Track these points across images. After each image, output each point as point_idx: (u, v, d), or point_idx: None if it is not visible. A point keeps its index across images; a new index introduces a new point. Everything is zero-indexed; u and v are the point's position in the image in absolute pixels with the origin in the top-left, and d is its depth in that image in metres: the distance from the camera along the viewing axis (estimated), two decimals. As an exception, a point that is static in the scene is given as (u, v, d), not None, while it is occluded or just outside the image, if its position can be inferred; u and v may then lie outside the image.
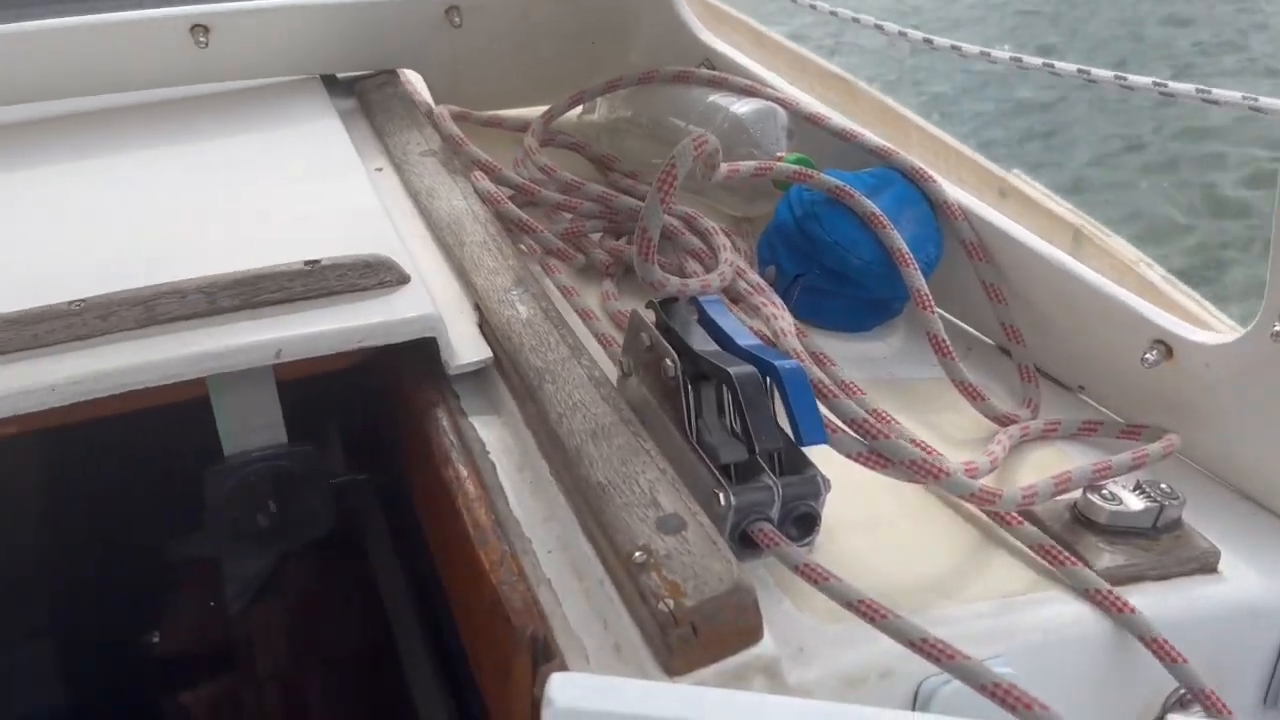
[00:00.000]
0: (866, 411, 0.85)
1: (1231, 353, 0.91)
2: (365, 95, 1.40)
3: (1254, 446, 0.93)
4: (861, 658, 0.72)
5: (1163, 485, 0.86)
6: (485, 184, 1.17)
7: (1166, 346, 0.96)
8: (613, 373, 0.92)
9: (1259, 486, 0.93)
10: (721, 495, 0.74)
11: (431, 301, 0.93)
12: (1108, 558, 0.82)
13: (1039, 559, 0.83)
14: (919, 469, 0.78)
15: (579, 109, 1.44)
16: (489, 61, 1.48)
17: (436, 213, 1.12)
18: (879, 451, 0.79)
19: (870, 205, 1.04)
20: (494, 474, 0.85)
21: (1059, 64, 1.12)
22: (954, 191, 1.13)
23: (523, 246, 1.13)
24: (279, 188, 1.12)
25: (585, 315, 1.04)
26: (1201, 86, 1.01)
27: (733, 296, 1.01)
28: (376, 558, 2.07)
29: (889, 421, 0.93)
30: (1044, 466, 0.95)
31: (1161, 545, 0.84)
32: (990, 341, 1.16)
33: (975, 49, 1.16)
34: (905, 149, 1.20)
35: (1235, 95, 0.98)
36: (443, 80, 1.47)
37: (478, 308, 0.99)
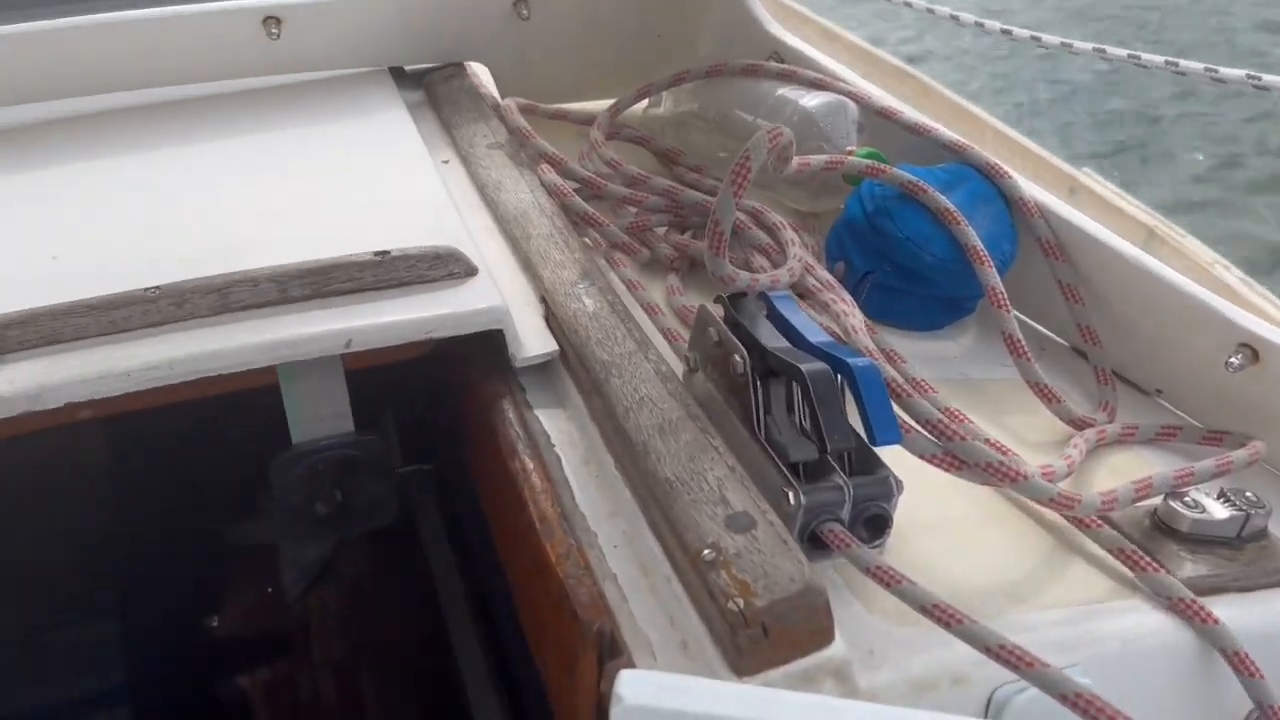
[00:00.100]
0: (940, 411, 0.83)
1: None
2: (432, 88, 1.41)
3: None
4: (934, 663, 0.71)
5: (1248, 493, 0.83)
6: (552, 177, 1.17)
7: (1252, 350, 0.93)
8: (678, 368, 0.91)
9: None
10: (791, 494, 0.73)
11: (499, 294, 0.93)
12: (1189, 567, 0.79)
13: (1118, 565, 0.80)
14: (995, 472, 0.77)
15: (644, 102, 1.43)
16: (555, 54, 1.48)
17: (503, 205, 1.12)
18: (954, 453, 0.78)
19: (944, 201, 1.02)
20: (560, 467, 0.85)
21: (1145, 56, 1.09)
22: (1030, 188, 1.11)
23: (587, 240, 1.13)
24: (348, 179, 1.12)
25: (650, 310, 1.03)
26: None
27: (800, 292, 0.99)
28: (431, 547, 2.08)
29: (963, 421, 0.91)
30: (1122, 472, 0.93)
31: (1246, 555, 0.81)
32: (1064, 343, 1.13)
33: (1056, 39, 1.14)
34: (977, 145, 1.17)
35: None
36: (509, 73, 1.47)
37: (544, 300, 0.99)
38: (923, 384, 0.93)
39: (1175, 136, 5.94)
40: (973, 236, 1.01)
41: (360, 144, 1.22)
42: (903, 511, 0.77)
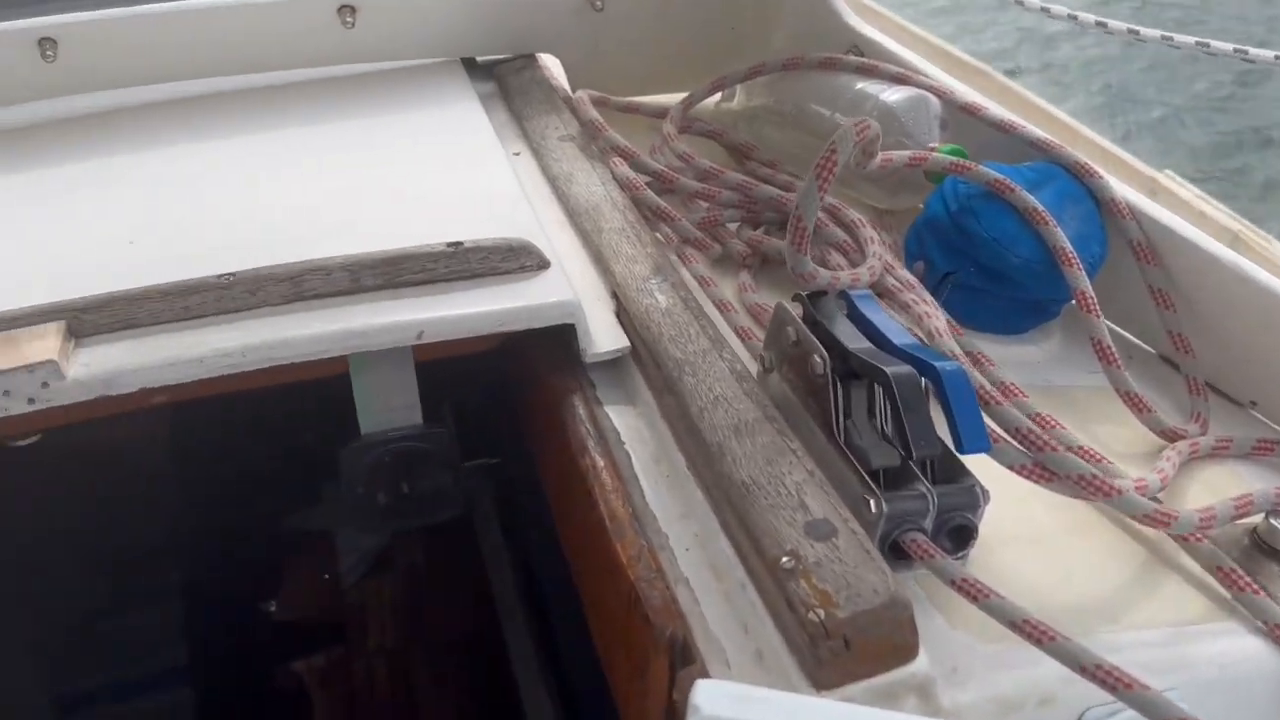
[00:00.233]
0: (1030, 419, 0.80)
1: None
2: (504, 79, 1.40)
3: None
4: (1021, 681, 0.68)
5: None
6: (623, 170, 1.16)
7: None
8: (752, 367, 0.89)
9: None
10: (872, 501, 0.71)
11: (571, 288, 0.92)
12: (1293, 590, 0.75)
13: (1215, 585, 0.77)
14: (1089, 485, 0.73)
15: (717, 96, 1.41)
16: (628, 46, 1.46)
17: (574, 198, 1.11)
18: (1044, 464, 0.75)
19: (1032, 200, 0.99)
20: (630, 465, 0.83)
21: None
22: (1121, 188, 1.06)
23: (659, 235, 1.11)
24: (421, 169, 1.12)
25: (723, 307, 1.01)
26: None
27: (880, 292, 0.96)
28: (487, 541, 2.08)
29: (1052, 427, 0.87)
30: (1216, 487, 0.89)
31: (1352, 579, 0.77)
32: (1152, 350, 1.09)
33: (1156, 33, 1.09)
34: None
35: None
36: (580, 65, 1.45)
37: (615, 295, 0.97)
38: (1012, 388, 0.90)
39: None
40: (1061, 238, 0.97)
41: (432, 134, 1.21)
42: (985, 522, 0.74)
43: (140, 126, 1.21)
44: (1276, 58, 0.97)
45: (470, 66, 1.42)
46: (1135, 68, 6.18)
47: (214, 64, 1.31)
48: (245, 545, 2.06)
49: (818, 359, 0.78)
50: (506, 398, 1.16)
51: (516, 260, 0.92)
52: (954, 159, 1.04)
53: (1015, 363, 1.01)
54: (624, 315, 0.94)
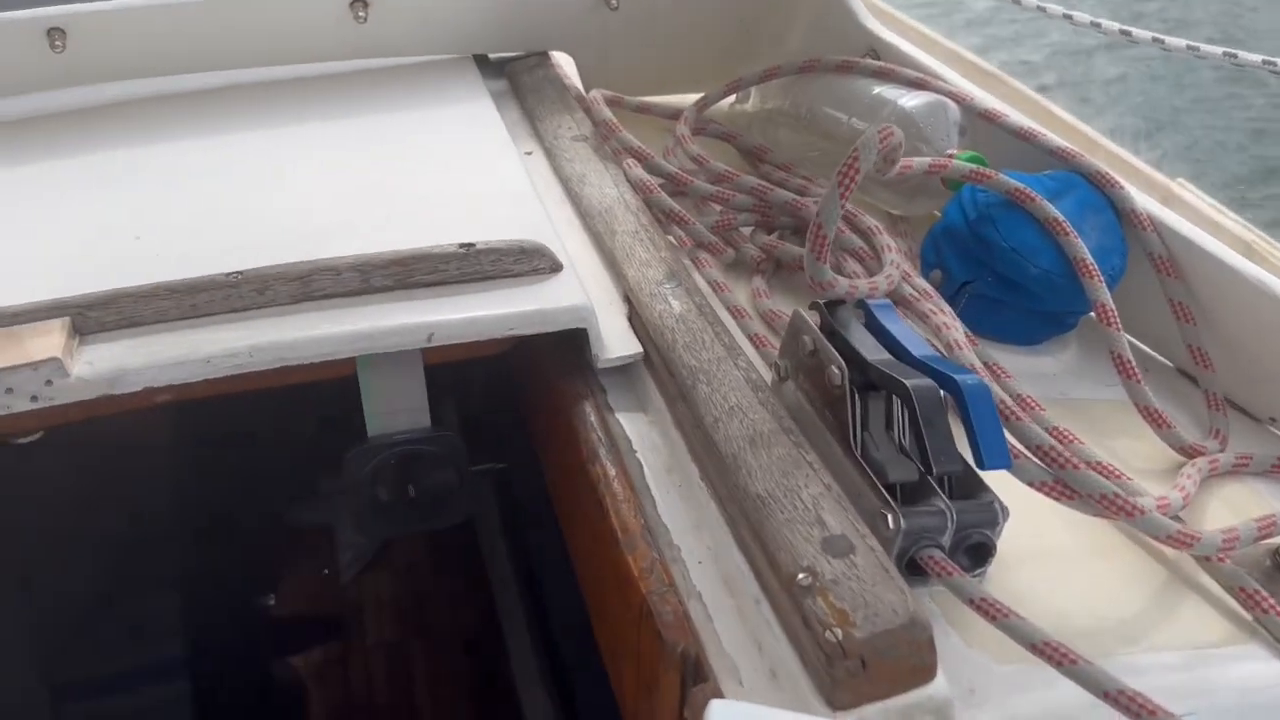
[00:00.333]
0: (1049, 434, 0.79)
1: None
2: (516, 77, 1.39)
3: None
4: (1039, 704, 0.66)
5: None
6: (637, 172, 1.14)
7: None
8: (767, 375, 0.88)
9: None
10: (890, 517, 0.70)
11: (584, 292, 0.90)
12: (1316, 614, 0.74)
13: (1235, 606, 0.75)
14: (1110, 505, 0.72)
15: (731, 98, 1.39)
16: (642, 45, 1.45)
17: (587, 199, 1.09)
18: (1065, 482, 0.73)
19: (1052, 210, 0.97)
20: (641, 475, 0.82)
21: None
22: (1142, 199, 1.05)
23: (672, 238, 1.10)
24: (432, 168, 1.10)
25: (736, 313, 1.00)
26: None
27: (897, 301, 0.95)
28: (487, 542, 2.07)
29: (1071, 442, 0.86)
30: (1236, 505, 0.88)
31: (1377, 604, 0.75)
32: (1169, 364, 1.07)
33: (1182, 42, 1.08)
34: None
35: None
36: (594, 63, 1.44)
37: (628, 300, 0.96)
38: (1030, 402, 0.88)
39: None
40: (1082, 249, 0.96)
41: (444, 132, 1.20)
42: (1003, 538, 0.72)
43: (148, 120, 1.20)
44: (1264, 62, 0.96)
45: (482, 63, 1.40)
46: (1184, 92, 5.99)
47: (225, 57, 1.29)
48: (245, 539, 2.06)
49: (835, 370, 0.76)
50: (514, 401, 1.15)
51: (529, 263, 0.90)
52: (974, 166, 1.02)
53: (1032, 375, 1.00)
54: (636, 320, 0.93)
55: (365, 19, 1.29)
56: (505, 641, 2.00)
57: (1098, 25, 1.43)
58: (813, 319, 0.83)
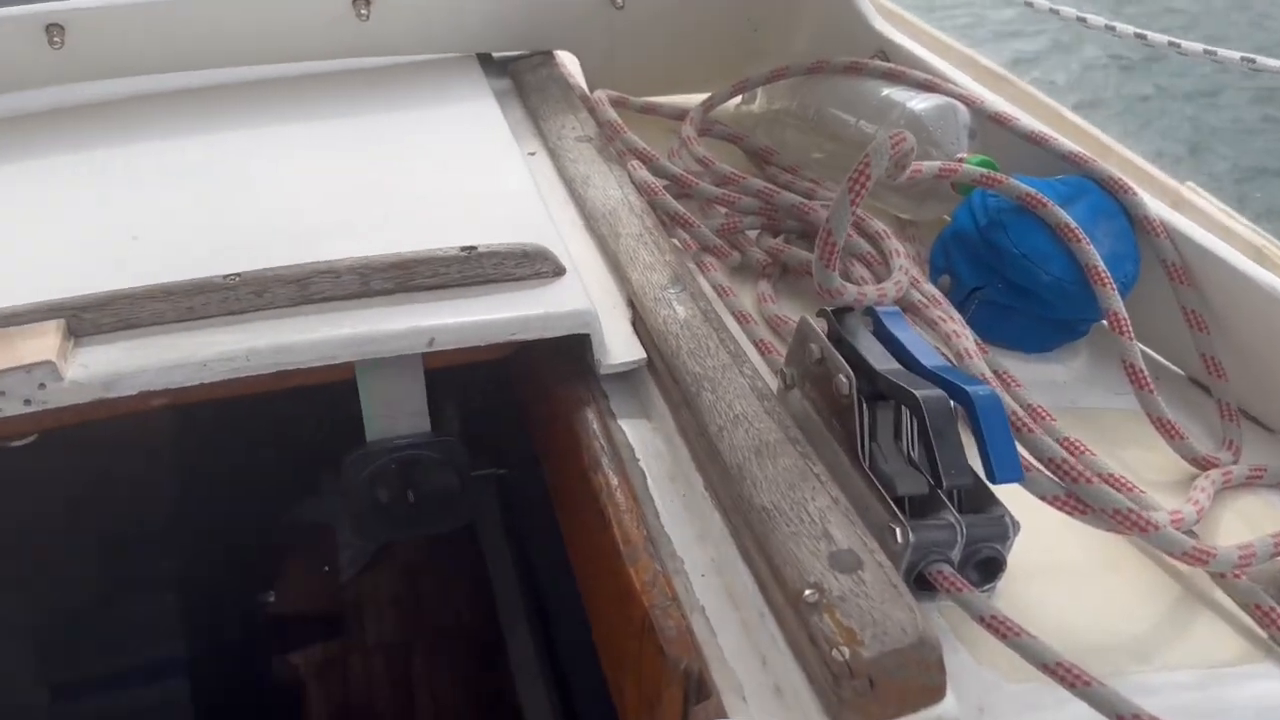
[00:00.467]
0: (1061, 445, 0.77)
1: None
2: (520, 76, 1.37)
3: None
4: None
5: None
6: (641, 174, 1.13)
7: None
8: (772, 382, 0.86)
9: None
10: (898, 530, 0.68)
11: (587, 296, 0.89)
12: (1333, 632, 0.72)
13: (1250, 624, 0.74)
14: (1124, 520, 0.70)
15: (737, 99, 1.38)
16: (648, 45, 1.43)
17: (591, 201, 1.08)
18: (1079, 496, 0.72)
19: (1064, 215, 0.96)
20: (644, 484, 0.80)
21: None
22: (1155, 205, 1.03)
23: (676, 241, 1.08)
24: (434, 168, 1.09)
25: (741, 318, 0.98)
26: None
27: (905, 307, 0.93)
28: (488, 543, 2.06)
29: (1082, 453, 0.84)
30: (1250, 518, 0.86)
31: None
32: (1181, 372, 1.06)
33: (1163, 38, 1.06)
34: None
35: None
36: (599, 63, 1.42)
37: (631, 304, 0.94)
38: (1040, 411, 0.87)
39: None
40: (1094, 255, 0.94)
41: (446, 132, 1.18)
42: (1013, 553, 0.71)
43: (147, 117, 1.19)
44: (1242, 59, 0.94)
45: (486, 63, 1.39)
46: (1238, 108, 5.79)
47: (225, 54, 1.28)
48: (243, 536, 2.04)
49: (843, 379, 0.75)
50: (514, 406, 1.13)
51: (531, 266, 0.89)
52: (985, 171, 1.01)
53: (1041, 383, 0.98)
54: (640, 325, 0.91)
55: (367, 16, 1.28)
56: (506, 645, 1.98)
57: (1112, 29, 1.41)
58: (820, 326, 0.81)
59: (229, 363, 0.79)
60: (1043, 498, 0.73)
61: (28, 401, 0.76)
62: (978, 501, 0.71)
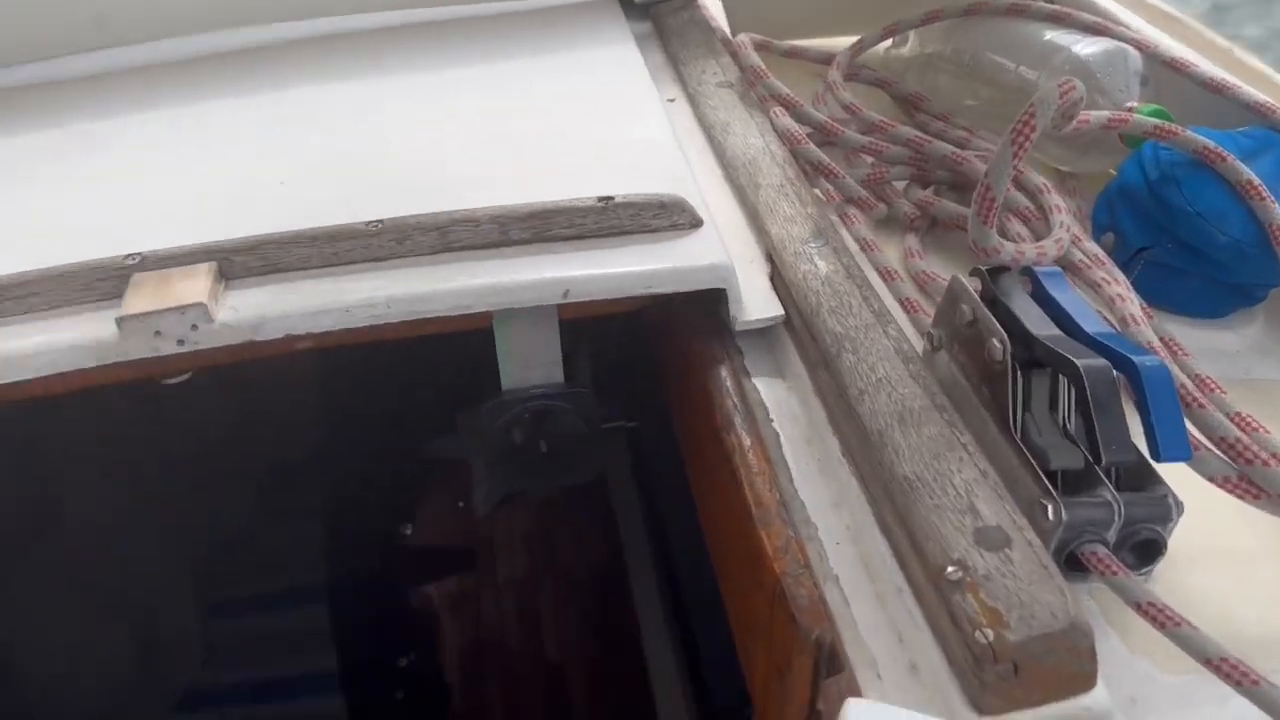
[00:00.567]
0: (1232, 421, 0.71)
1: None
2: (661, 20, 1.34)
3: None
4: None
5: None
6: (784, 121, 1.09)
7: None
8: (917, 344, 0.82)
9: None
10: (1050, 507, 0.64)
11: (724, 250, 0.86)
12: None
13: None
14: (1306, 506, 0.65)
15: (887, 42, 1.31)
16: None
17: (731, 150, 1.05)
18: (1252, 479, 0.66)
19: (1247, 171, 0.88)
20: (778, 445, 0.78)
21: None
22: (1352, 160, 0.94)
23: (819, 192, 1.04)
24: (572, 115, 1.07)
25: (886, 275, 0.94)
26: None
27: (1065, 267, 0.88)
28: (617, 493, 2.07)
29: (1255, 430, 0.78)
30: None
31: None
32: None
33: None
34: None
35: None
36: (743, 5, 1.37)
37: (770, 258, 0.91)
38: (1210, 383, 0.80)
39: None
40: (1279, 215, 0.86)
41: (585, 78, 1.16)
42: (1175, 536, 0.66)
43: (290, 67, 1.20)
44: None
45: (627, 6, 1.36)
46: None
47: (361, 1, 1.28)
48: (384, 471, 2.12)
49: (997, 343, 0.71)
50: (648, 359, 1.12)
51: (668, 218, 0.87)
52: (1158, 122, 0.93)
53: (1211, 352, 0.91)
54: (779, 281, 0.88)
55: None
56: (633, 594, 2.00)
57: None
58: (973, 286, 0.77)
59: (370, 309, 0.80)
60: (1211, 479, 0.67)
61: (181, 341, 0.78)
62: (1138, 479, 0.66)
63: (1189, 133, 0.91)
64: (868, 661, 0.62)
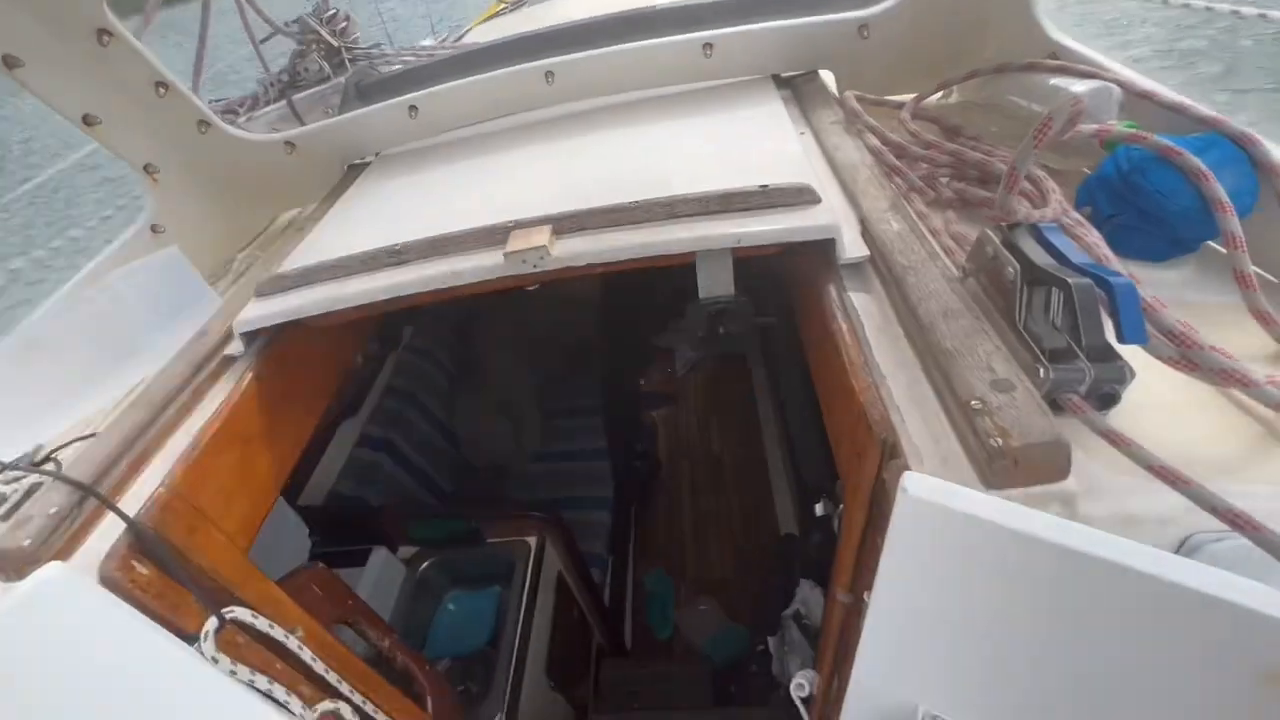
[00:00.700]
0: (1178, 324, 0.60)
1: None
2: (798, 88, 1.23)
3: None
4: (1145, 505, 0.52)
5: None
6: (872, 142, 0.98)
7: None
8: (956, 274, 0.73)
9: None
10: (1042, 370, 0.56)
11: (833, 215, 0.79)
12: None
13: None
14: (1227, 377, 0.54)
15: (940, 93, 1.15)
16: (881, 62, 1.22)
17: (839, 160, 0.95)
18: (1189, 358, 0.55)
19: (1197, 162, 0.72)
20: (863, 331, 0.72)
21: None
22: (1278, 153, 0.75)
23: (893, 184, 0.93)
24: (745, 141, 1.01)
25: (934, 233, 0.84)
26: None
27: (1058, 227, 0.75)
28: (755, 360, 2.02)
29: (1192, 330, 0.65)
30: None
31: None
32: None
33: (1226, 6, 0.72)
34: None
35: None
36: (848, 75, 1.24)
37: (861, 222, 0.83)
38: (1159, 301, 0.67)
39: None
40: (1219, 190, 0.70)
41: (751, 122, 1.08)
42: (1130, 395, 0.56)
43: (580, 125, 1.18)
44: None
45: (777, 80, 1.25)
46: None
47: (624, 83, 1.23)
48: (633, 349, 2.14)
49: (1010, 269, 0.62)
50: (780, 283, 1.06)
51: (800, 197, 0.80)
52: (1132, 130, 0.77)
53: (1158, 282, 0.76)
54: (867, 235, 0.80)
55: (711, 55, 1.18)
56: (760, 420, 1.97)
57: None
58: (997, 235, 0.67)
59: (631, 250, 0.78)
60: (1160, 358, 0.57)
61: (535, 266, 0.80)
62: (1104, 355, 0.57)
63: (1155, 137, 0.75)
64: (916, 453, 0.57)
